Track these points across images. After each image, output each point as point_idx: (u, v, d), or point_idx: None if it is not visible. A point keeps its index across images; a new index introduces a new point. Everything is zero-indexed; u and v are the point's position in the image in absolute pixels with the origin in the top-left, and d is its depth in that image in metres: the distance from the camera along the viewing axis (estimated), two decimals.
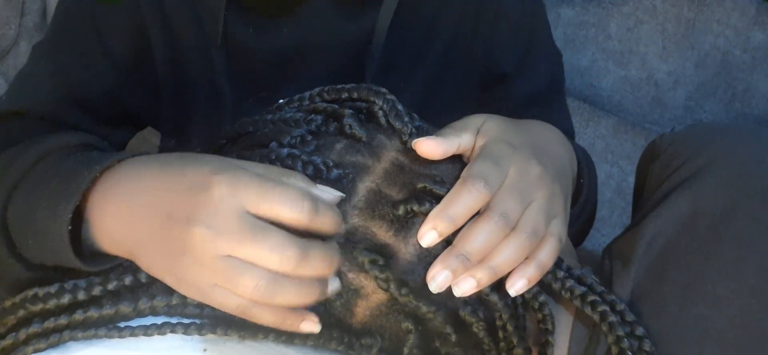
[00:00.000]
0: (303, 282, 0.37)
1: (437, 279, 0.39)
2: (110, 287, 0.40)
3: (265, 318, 0.38)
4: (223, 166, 0.38)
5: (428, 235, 0.40)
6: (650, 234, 0.48)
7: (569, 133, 0.71)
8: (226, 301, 0.37)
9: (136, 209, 0.40)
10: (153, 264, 0.39)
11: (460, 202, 0.40)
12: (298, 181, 0.39)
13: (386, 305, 0.42)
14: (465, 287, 0.40)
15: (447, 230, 0.40)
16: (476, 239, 0.40)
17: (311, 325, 0.39)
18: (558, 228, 0.43)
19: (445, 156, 0.43)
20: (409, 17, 0.63)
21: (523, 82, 0.69)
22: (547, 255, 0.42)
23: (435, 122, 0.48)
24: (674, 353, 0.44)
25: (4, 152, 0.50)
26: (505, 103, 0.68)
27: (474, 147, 0.45)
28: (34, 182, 0.44)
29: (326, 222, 0.38)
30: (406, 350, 0.42)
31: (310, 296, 0.38)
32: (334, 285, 0.40)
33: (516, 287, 0.41)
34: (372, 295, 0.41)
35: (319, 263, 0.37)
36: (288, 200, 0.37)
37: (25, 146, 0.48)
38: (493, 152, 0.42)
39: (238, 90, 0.63)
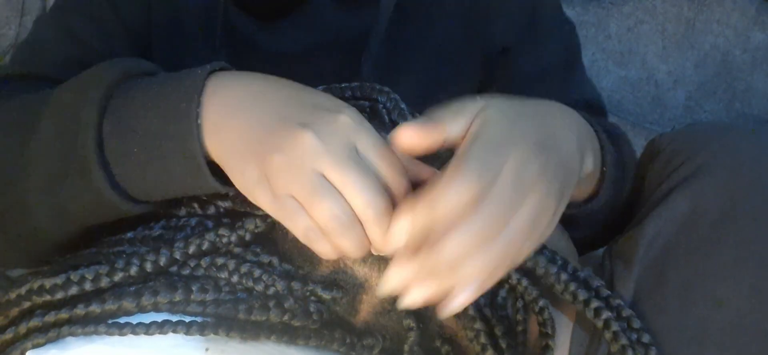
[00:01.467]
0: (363, 238, 0.37)
1: (391, 283, 0.35)
2: (116, 278, 0.40)
3: (324, 249, 0.38)
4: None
5: (400, 228, 0.36)
6: (650, 234, 0.48)
7: (594, 103, 0.68)
8: (295, 217, 0.37)
9: (247, 108, 0.39)
10: (242, 156, 0.38)
11: (447, 197, 0.34)
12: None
13: (389, 300, 0.42)
14: (415, 297, 0.35)
15: (425, 226, 0.35)
16: (450, 247, 0.33)
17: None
18: (540, 235, 0.38)
19: (432, 146, 0.38)
20: (408, 10, 0.63)
21: (529, 56, 0.66)
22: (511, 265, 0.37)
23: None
24: (674, 353, 0.44)
25: (28, 95, 0.47)
26: (512, 80, 0.66)
27: (468, 134, 0.38)
28: (128, 93, 0.41)
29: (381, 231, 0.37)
30: (406, 348, 0.42)
31: (360, 251, 0.38)
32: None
33: (451, 306, 0.35)
34: (376, 287, 0.42)
35: (390, 230, 0.36)
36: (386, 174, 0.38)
37: (97, 68, 0.43)
38: (490, 140, 0.36)
39: None
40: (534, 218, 0.36)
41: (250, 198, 0.39)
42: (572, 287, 0.44)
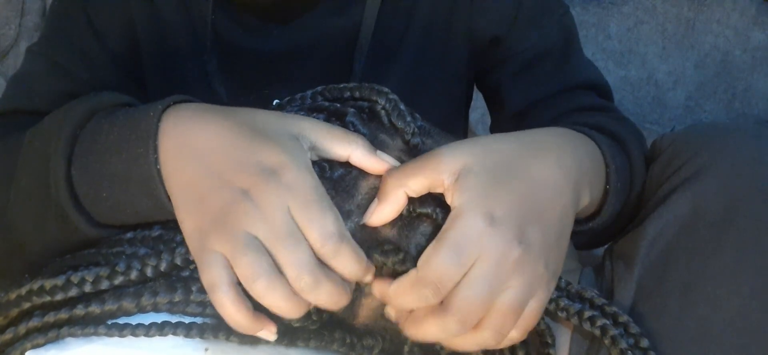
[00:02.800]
0: (293, 297, 0.37)
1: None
2: (117, 281, 0.40)
3: (227, 310, 0.37)
4: (294, 155, 0.38)
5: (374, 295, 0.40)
6: (651, 235, 0.48)
7: (598, 84, 0.66)
8: (211, 271, 0.36)
9: (194, 162, 0.39)
10: (184, 208, 0.39)
11: (403, 299, 0.38)
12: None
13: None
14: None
15: (392, 313, 0.40)
16: (429, 340, 0.38)
17: (269, 334, 0.38)
18: (532, 315, 0.39)
19: (395, 215, 0.40)
20: (391, 5, 0.63)
21: (522, 40, 0.65)
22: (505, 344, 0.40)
23: (423, 107, 0.47)
24: (675, 353, 0.44)
25: (12, 136, 0.49)
26: (507, 66, 0.66)
27: (448, 199, 0.39)
28: (92, 138, 0.42)
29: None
30: (406, 349, 0.42)
31: (293, 311, 0.37)
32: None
33: None
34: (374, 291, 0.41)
35: (328, 293, 0.37)
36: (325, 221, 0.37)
37: (63, 110, 0.45)
38: (459, 236, 0.37)
39: (232, 92, 0.63)
40: (521, 296, 0.38)
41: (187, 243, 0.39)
42: (563, 302, 0.44)
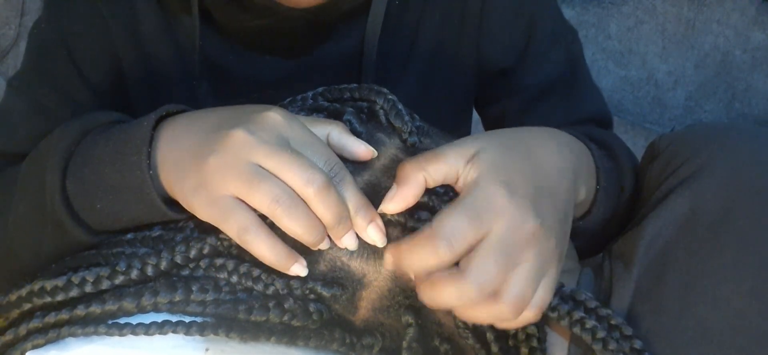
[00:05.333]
0: (313, 217, 0.38)
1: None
2: (117, 281, 0.41)
3: (262, 248, 0.38)
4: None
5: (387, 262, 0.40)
6: (650, 235, 0.48)
7: (602, 119, 0.66)
8: (235, 216, 0.38)
9: (187, 133, 0.41)
10: (182, 169, 0.40)
11: (416, 256, 0.37)
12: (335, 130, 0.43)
13: (387, 296, 0.42)
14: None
15: (402, 273, 0.40)
16: (445, 305, 0.37)
17: (300, 268, 0.40)
18: (546, 293, 0.39)
19: (414, 201, 0.40)
20: (393, 27, 0.62)
21: (530, 73, 0.65)
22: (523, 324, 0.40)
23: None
24: (674, 353, 0.44)
25: (6, 171, 0.50)
26: (514, 98, 0.65)
27: (463, 179, 0.40)
28: (87, 152, 0.44)
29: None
30: (405, 345, 0.42)
31: (315, 233, 0.38)
32: (350, 239, 0.40)
33: None
34: (374, 282, 0.42)
35: (338, 202, 0.38)
36: (319, 159, 0.39)
37: (58, 130, 0.46)
38: (477, 201, 0.37)
39: None
40: (537, 270, 0.38)
41: (189, 209, 0.40)
42: (554, 303, 0.44)
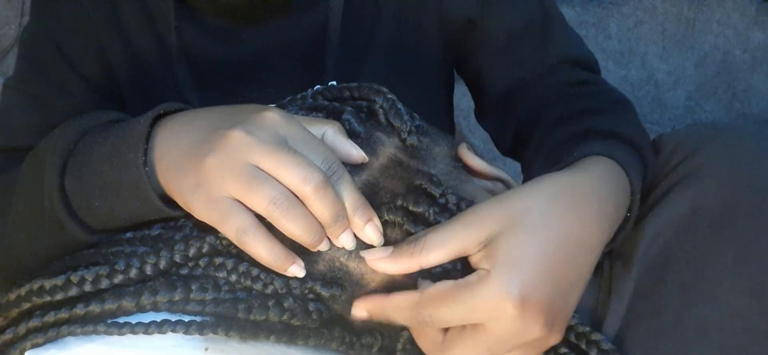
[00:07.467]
0: (311, 217, 0.38)
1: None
2: (116, 280, 0.41)
3: (259, 249, 0.39)
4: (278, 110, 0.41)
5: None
6: (650, 234, 0.48)
7: (582, 59, 0.64)
8: (233, 217, 0.38)
9: (184, 132, 0.42)
10: (180, 169, 0.40)
11: (401, 312, 0.40)
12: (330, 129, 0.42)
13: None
14: None
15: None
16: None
17: (298, 269, 0.40)
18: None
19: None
20: (356, 2, 0.62)
21: (497, 21, 0.63)
22: None
23: (403, 97, 0.47)
24: (674, 353, 0.44)
25: (3, 173, 0.50)
26: (484, 49, 0.65)
27: (475, 262, 0.39)
28: (85, 151, 0.44)
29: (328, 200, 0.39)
30: (399, 345, 0.43)
31: (313, 234, 0.39)
32: (348, 238, 0.40)
33: None
34: (372, 283, 0.42)
35: (335, 200, 0.39)
36: (318, 159, 0.39)
37: (57, 130, 0.47)
38: (483, 302, 0.37)
39: (204, 100, 0.62)
40: None
41: (187, 209, 0.40)
42: None
